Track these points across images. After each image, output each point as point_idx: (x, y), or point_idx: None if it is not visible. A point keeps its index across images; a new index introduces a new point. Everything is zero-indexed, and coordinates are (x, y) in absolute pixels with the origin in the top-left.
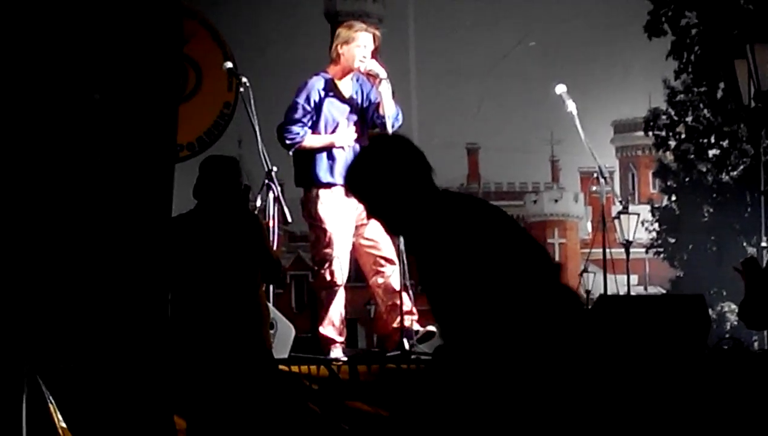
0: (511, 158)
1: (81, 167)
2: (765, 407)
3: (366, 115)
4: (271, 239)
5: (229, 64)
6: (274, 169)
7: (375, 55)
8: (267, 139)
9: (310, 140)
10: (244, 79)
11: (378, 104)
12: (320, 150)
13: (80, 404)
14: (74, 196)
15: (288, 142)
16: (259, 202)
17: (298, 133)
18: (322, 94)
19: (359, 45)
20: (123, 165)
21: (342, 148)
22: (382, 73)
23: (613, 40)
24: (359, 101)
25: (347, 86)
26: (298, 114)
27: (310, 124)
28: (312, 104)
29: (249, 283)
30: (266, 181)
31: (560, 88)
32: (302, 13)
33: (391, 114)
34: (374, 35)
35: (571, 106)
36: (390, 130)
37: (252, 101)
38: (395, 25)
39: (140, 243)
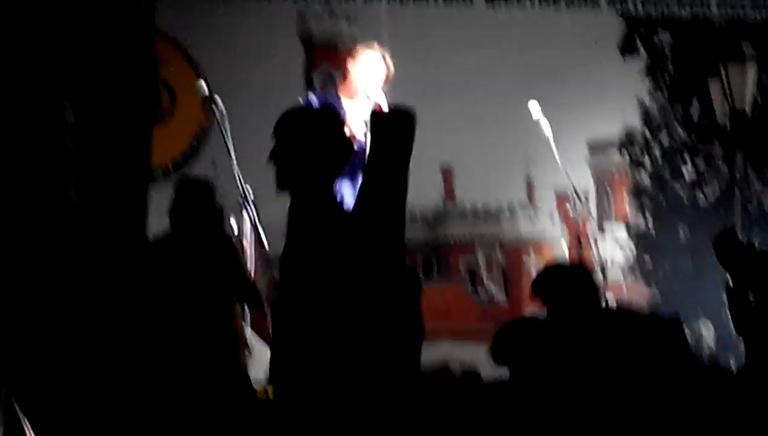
0: (486, 178)
1: (55, 191)
2: (743, 428)
3: None
4: (247, 262)
5: (203, 86)
6: (250, 191)
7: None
8: (242, 162)
9: None
10: (219, 101)
11: None
12: None
13: (55, 426)
14: (48, 220)
15: None
16: (234, 225)
17: None
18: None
19: (364, 63)
20: (98, 188)
21: None
22: (384, 103)
23: (587, 60)
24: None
25: (357, 107)
26: None
27: None
28: None
29: (225, 306)
30: (242, 203)
31: (536, 114)
32: (277, 35)
33: None
34: (384, 58)
35: (546, 130)
36: None
37: (227, 123)
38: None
39: (115, 266)
